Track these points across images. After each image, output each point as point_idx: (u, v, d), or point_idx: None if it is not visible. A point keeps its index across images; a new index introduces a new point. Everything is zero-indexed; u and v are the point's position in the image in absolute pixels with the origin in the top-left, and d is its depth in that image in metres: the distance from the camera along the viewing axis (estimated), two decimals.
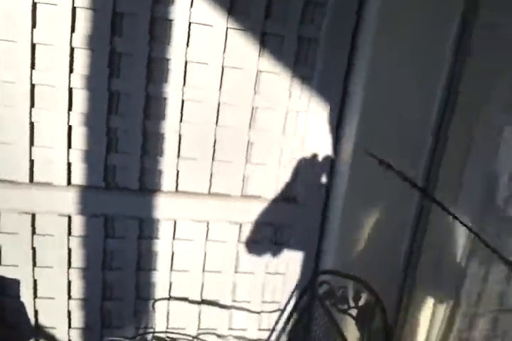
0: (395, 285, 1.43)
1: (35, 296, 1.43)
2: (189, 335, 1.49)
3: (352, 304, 1.11)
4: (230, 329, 1.59)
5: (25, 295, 1.42)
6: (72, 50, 1.23)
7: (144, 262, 1.47)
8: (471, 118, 1.27)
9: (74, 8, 1.20)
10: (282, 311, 1.56)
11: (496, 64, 1.23)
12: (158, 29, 1.25)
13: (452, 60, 1.21)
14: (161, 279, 1.50)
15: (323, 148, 1.39)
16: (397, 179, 1.28)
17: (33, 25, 1.20)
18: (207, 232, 1.47)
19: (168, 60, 1.28)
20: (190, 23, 1.26)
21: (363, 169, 1.28)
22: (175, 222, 1.44)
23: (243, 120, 1.37)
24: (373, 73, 1.22)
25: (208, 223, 1.45)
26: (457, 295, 1.50)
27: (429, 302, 1.48)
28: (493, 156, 1.33)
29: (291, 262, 1.53)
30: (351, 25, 1.29)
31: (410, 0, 1.18)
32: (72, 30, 1.21)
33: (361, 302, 1.09)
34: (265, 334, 1.56)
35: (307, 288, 1.15)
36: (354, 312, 1.11)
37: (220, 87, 1.32)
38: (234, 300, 1.57)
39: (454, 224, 1.33)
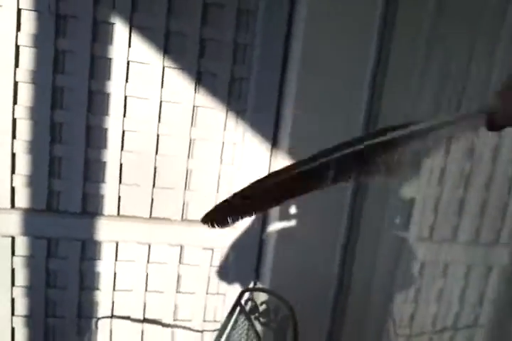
0: (327, 306, 1.61)
1: None
2: None
3: (272, 317, 1.28)
4: None
5: None
6: (16, 83, 1.40)
7: (87, 282, 1.62)
8: None
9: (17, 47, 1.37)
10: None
11: None
12: (98, 66, 1.42)
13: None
14: (103, 298, 1.64)
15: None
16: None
17: None
18: (148, 254, 1.62)
19: (108, 94, 1.45)
20: (128, 62, 1.43)
21: None
22: (117, 244, 1.59)
23: (182, 150, 1.53)
24: (301, 106, 1.40)
25: (149, 245, 1.61)
26: (388, 316, 1.68)
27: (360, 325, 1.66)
28: None
29: (231, 282, 1.70)
30: (279, 62, 1.47)
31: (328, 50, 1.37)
32: (16, 65, 1.38)
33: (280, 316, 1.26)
34: None
35: (236, 305, 1.32)
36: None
37: (159, 119, 1.49)
38: (176, 319, 1.73)
39: (380, 243, 1.52)
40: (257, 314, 1.31)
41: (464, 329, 1.78)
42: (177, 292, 1.69)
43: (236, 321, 1.35)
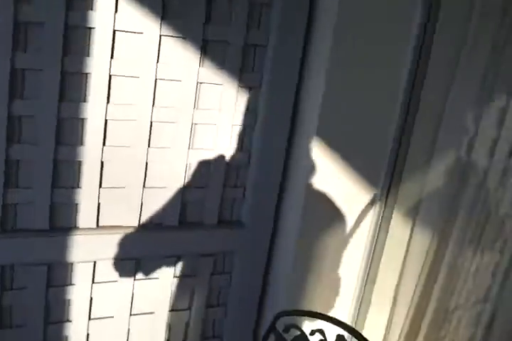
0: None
1: None
2: None
3: None
4: None
5: None
6: None
7: (54, 314, 1.39)
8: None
9: None
10: None
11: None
12: (73, 39, 1.15)
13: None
14: (75, 331, 1.43)
15: (273, 164, 1.46)
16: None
17: None
18: (135, 270, 1.43)
19: (86, 74, 1.19)
20: (114, 31, 1.17)
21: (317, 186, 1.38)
22: (94, 264, 1.37)
23: (181, 139, 1.34)
24: (330, 83, 1.29)
25: (137, 260, 1.42)
26: None
27: None
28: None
29: (232, 293, 1.59)
30: (302, 25, 1.34)
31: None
32: None
33: None
34: None
35: (269, 333, 1.16)
36: None
37: (153, 103, 1.28)
38: None
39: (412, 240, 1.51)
40: None
41: None
42: (170, 311, 1.53)
43: None
